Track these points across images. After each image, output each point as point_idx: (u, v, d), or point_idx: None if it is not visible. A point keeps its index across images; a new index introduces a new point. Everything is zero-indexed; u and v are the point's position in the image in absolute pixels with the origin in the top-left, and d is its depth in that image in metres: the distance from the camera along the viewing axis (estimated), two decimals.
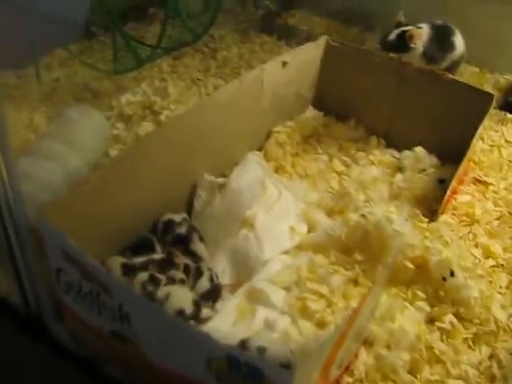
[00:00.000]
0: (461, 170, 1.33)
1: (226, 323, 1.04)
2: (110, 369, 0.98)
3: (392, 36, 1.44)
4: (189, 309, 1.04)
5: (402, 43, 1.43)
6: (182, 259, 1.12)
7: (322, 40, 1.59)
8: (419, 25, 1.45)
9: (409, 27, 1.43)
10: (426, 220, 1.26)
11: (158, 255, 1.13)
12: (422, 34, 1.43)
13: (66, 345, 1.02)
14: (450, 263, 1.11)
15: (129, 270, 1.07)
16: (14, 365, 1.12)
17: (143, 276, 1.05)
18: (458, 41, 1.50)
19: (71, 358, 1.01)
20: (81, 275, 0.86)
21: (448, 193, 1.31)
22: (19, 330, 1.06)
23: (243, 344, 0.93)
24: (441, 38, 1.46)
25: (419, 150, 1.49)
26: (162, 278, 1.06)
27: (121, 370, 0.97)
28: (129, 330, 0.84)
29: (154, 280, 1.05)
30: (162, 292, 1.05)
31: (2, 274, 1.09)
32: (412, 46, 1.42)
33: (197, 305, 1.06)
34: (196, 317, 1.05)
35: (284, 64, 1.47)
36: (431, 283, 1.13)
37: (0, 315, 1.08)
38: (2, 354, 1.13)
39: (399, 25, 1.45)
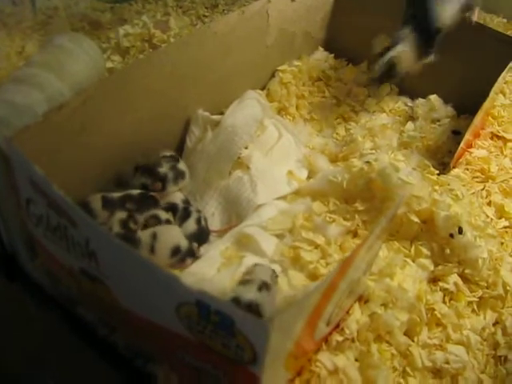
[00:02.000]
0: (476, 121, 1.23)
1: (209, 269, 0.96)
2: (83, 309, 0.92)
3: (380, 68, 1.28)
4: (183, 244, 0.98)
5: (393, 71, 1.29)
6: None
7: None
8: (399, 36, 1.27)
9: (393, 52, 1.26)
10: (437, 172, 1.17)
11: (136, 191, 1.05)
12: (407, 55, 1.26)
13: (39, 282, 0.96)
14: (459, 219, 1.03)
15: (108, 203, 1.00)
16: None
17: (122, 214, 0.97)
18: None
19: (46, 297, 0.95)
20: (48, 207, 0.78)
21: (462, 145, 1.21)
22: None
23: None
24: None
25: (434, 98, 1.40)
26: (142, 217, 0.99)
27: (93, 311, 0.90)
28: (96, 268, 0.76)
29: (132, 219, 0.97)
30: (146, 233, 0.97)
31: None
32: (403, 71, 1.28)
33: (189, 240, 1.00)
34: (192, 253, 1.00)
35: None
36: (437, 240, 1.05)
37: None
38: None
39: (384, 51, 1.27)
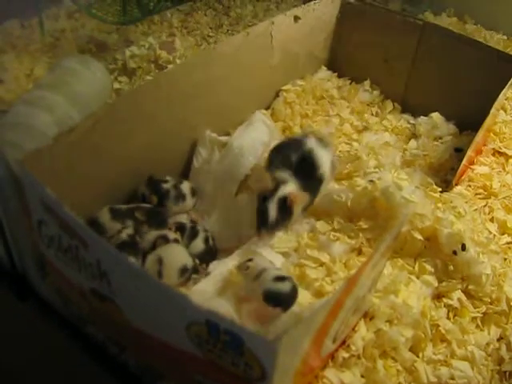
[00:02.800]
0: (478, 138, 1.24)
1: (216, 286, 0.98)
2: (93, 328, 0.93)
3: (272, 209, 1.05)
4: (189, 263, 0.99)
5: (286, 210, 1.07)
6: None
7: None
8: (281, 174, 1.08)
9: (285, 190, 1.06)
10: (439, 190, 1.19)
11: (146, 205, 1.08)
12: (300, 195, 1.07)
13: (50, 302, 0.97)
14: (462, 236, 1.04)
15: (117, 213, 1.03)
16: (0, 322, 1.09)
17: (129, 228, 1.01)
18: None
19: (55, 315, 0.96)
20: (60, 228, 0.80)
21: (464, 162, 1.23)
22: (4, 286, 1.01)
23: None
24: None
25: (436, 116, 1.42)
26: (150, 233, 1.01)
27: (103, 329, 0.92)
28: (108, 289, 0.78)
29: (139, 229, 1.01)
30: (152, 259, 0.99)
31: None
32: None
33: (193, 258, 1.02)
34: (196, 270, 1.01)
35: (296, 19, 1.39)
36: (440, 257, 1.06)
37: None
38: None
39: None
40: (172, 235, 1.03)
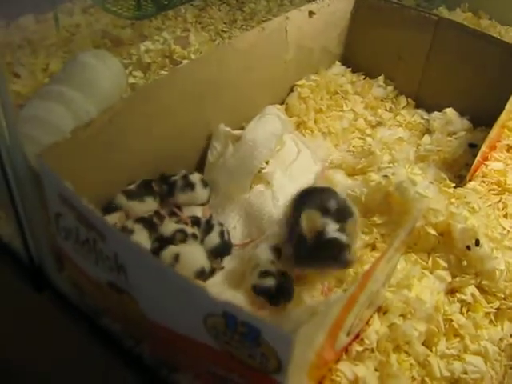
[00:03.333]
0: (492, 134, 1.24)
1: (231, 280, 0.99)
2: (109, 321, 0.95)
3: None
4: (207, 266, 1.01)
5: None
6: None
7: None
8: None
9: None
10: (453, 185, 1.19)
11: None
12: None
13: (66, 294, 0.98)
14: (476, 232, 1.04)
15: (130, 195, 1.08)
16: (17, 314, 1.10)
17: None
18: None
19: (72, 307, 0.98)
20: (77, 221, 0.81)
21: (478, 158, 1.23)
22: (21, 277, 1.02)
23: None
24: None
25: (450, 111, 1.41)
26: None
27: (119, 322, 0.93)
28: (125, 281, 0.79)
29: (158, 216, 1.05)
30: (170, 252, 1.00)
31: (5, 220, 1.06)
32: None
33: (209, 259, 1.03)
34: (213, 271, 1.03)
35: (311, 14, 1.39)
36: (454, 252, 1.07)
37: (3, 260, 1.05)
38: (5, 301, 1.11)
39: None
40: (190, 230, 1.04)
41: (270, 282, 0.96)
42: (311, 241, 0.93)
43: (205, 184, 1.16)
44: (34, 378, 1.13)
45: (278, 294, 0.96)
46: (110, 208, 1.06)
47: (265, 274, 0.97)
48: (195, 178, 1.15)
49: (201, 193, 1.15)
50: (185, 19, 1.85)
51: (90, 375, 0.99)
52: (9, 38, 1.62)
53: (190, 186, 1.14)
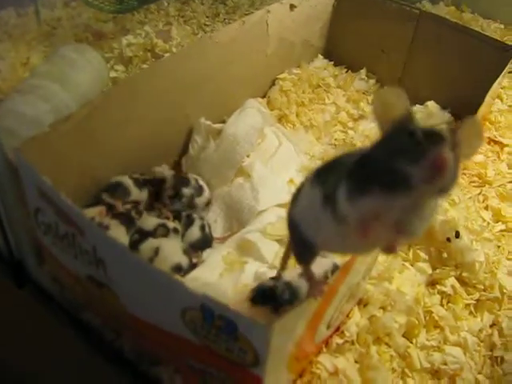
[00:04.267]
0: None
1: (211, 274, 0.99)
2: (90, 314, 0.94)
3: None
4: (184, 261, 1.00)
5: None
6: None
7: None
8: None
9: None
10: None
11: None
12: None
13: (47, 288, 0.98)
14: (456, 224, 1.05)
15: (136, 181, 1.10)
16: None
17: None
18: None
19: (52, 302, 0.97)
20: (56, 215, 0.81)
21: None
22: (2, 274, 1.01)
23: None
24: None
25: (431, 104, 1.42)
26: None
27: (99, 316, 0.93)
28: (104, 275, 0.79)
29: (136, 210, 1.05)
30: (150, 245, 1.00)
31: None
32: None
33: (188, 254, 1.02)
34: (191, 267, 1.01)
35: (292, 7, 1.39)
36: (435, 244, 1.07)
37: None
38: None
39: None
40: (171, 224, 1.04)
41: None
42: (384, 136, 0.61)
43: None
44: (14, 371, 1.13)
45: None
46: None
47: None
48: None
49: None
50: (167, 13, 1.84)
51: (70, 368, 0.99)
52: None
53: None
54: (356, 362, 0.91)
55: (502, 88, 1.60)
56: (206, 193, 1.14)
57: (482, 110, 1.25)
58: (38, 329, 1.03)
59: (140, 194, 1.10)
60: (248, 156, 1.18)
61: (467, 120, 0.59)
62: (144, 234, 1.01)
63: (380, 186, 0.57)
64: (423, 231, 0.62)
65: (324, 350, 0.91)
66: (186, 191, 1.12)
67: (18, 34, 1.64)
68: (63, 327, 0.95)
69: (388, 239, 0.62)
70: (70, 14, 1.79)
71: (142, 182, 1.10)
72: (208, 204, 1.15)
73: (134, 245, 1.00)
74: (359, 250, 0.70)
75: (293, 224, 0.74)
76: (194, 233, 1.06)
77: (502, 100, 1.57)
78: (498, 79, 1.27)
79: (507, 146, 1.40)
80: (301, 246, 0.75)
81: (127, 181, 1.08)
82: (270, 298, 0.89)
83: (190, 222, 1.07)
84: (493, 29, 1.92)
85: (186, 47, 1.35)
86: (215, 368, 0.74)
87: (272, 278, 0.92)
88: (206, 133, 1.21)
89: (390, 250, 0.63)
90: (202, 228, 1.07)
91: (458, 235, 1.04)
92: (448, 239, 1.05)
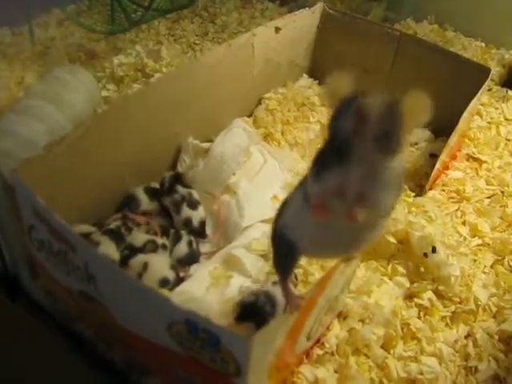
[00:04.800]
0: (451, 142, 1.30)
1: (198, 288, 1.03)
2: (82, 327, 0.98)
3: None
4: (171, 276, 1.04)
5: None
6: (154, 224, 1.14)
7: (319, 7, 1.56)
8: None
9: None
10: (413, 195, 1.25)
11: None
12: None
13: (40, 302, 1.02)
14: (432, 239, 1.09)
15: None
16: None
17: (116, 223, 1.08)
18: None
19: (45, 314, 1.01)
20: (50, 233, 0.85)
21: (437, 167, 1.28)
22: None
23: None
24: None
25: None
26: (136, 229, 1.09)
27: (91, 328, 0.96)
28: (95, 291, 0.83)
29: (126, 227, 1.08)
30: (139, 260, 1.05)
31: None
32: None
33: (175, 269, 1.06)
34: (178, 282, 1.05)
35: (277, 30, 1.44)
36: (412, 259, 1.12)
37: None
38: None
39: None
40: (160, 240, 1.09)
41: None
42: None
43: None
44: (6, 382, 1.16)
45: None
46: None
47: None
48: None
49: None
50: (158, 31, 1.90)
51: (62, 379, 1.03)
52: None
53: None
54: (336, 372, 0.95)
55: (481, 105, 1.65)
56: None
57: (460, 126, 1.30)
58: (30, 341, 1.06)
59: (150, 204, 1.18)
60: (234, 174, 1.23)
61: (412, 93, 0.67)
62: (134, 250, 1.05)
63: (333, 157, 0.65)
64: (389, 205, 0.69)
65: (305, 360, 0.95)
66: (180, 189, 1.18)
67: (12, 53, 1.68)
68: (55, 338, 0.98)
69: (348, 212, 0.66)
70: (63, 34, 1.84)
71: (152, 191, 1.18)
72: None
73: (125, 260, 1.04)
74: (338, 247, 0.77)
75: (278, 234, 0.80)
76: (182, 248, 1.10)
77: (481, 117, 1.62)
78: (477, 95, 1.33)
79: (485, 162, 1.45)
80: (283, 257, 0.81)
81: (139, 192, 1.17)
82: (253, 313, 0.94)
83: (177, 238, 1.12)
84: (473, 47, 1.96)
85: (175, 69, 1.41)
86: (200, 377, 0.78)
87: (252, 293, 0.97)
88: (193, 152, 1.25)
89: (350, 217, 0.66)
90: (190, 244, 1.12)
91: (434, 250, 1.08)
92: (425, 254, 1.09)
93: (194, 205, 1.18)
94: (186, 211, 1.17)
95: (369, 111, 0.61)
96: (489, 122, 1.61)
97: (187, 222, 1.17)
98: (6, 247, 1.00)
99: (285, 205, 0.81)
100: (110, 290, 0.81)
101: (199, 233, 1.18)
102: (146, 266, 1.03)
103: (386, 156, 0.65)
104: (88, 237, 1.06)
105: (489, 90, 1.75)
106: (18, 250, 0.99)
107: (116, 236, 1.07)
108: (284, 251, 0.79)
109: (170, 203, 1.18)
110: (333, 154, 0.66)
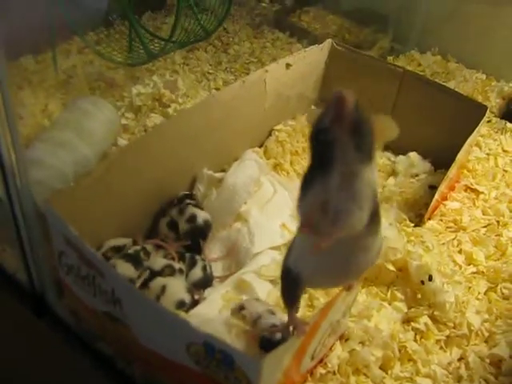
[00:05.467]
0: (450, 174, 1.37)
1: (212, 309, 1.11)
2: (103, 344, 1.06)
3: None
4: (187, 298, 1.12)
5: None
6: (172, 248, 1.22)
7: (327, 43, 1.65)
8: None
9: None
10: (413, 225, 1.32)
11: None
12: None
13: (64, 320, 1.10)
14: (429, 268, 1.17)
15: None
16: (19, 338, 1.22)
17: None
18: None
19: (69, 332, 1.09)
20: (79, 260, 0.94)
21: (436, 198, 1.36)
22: (24, 305, 1.13)
23: None
24: None
25: (413, 155, 1.55)
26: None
27: (113, 346, 1.05)
28: (120, 312, 0.92)
29: (145, 251, 1.18)
30: (158, 283, 1.13)
31: (11, 253, 1.17)
32: None
33: (190, 292, 1.14)
34: (194, 304, 1.13)
35: (288, 66, 1.53)
36: (410, 286, 1.19)
37: (8, 290, 1.16)
38: (7, 327, 1.23)
39: None
40: (177, 265, 1.17)
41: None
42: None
43: None
44: None
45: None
46: None
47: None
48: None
49: None
50: (173, 61, 1.97)
51: None
52: (10, 79, 1.73)
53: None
54: None
55: (481, 136, 1.72)
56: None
57: (460, 157, 1.37)
58: (55, 356, 1.14)
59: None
60: (245, 203, 1.32)
61: (380, 116, 0.78)
62: (153, 274, 1.14)
63: (316, 171, 0.74)
64: (362, 217, 0.75)
65: (309, 378, 1.03)
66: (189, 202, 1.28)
67: (36, 80, 1.76)
68: (78, 354, 1.06)
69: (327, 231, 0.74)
70: (83, 61, 1.91)
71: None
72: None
73: (145, 282, 1.13)
74: (338, 275, 0.87)
75: (285, 269, 0.89)
76: (197, 273, 1.19)
77: (480, 148, 1.69)
78: (474, 132, 1.41)
79: (482, 193, 1.52)
80: (288, 289, 0.90)
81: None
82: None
83: (193, 263, 1.20)
84: (474, 79, 2.02)
85: (192, 106, 1.48)
86: None
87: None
88: (208, 182, 1.35)
89: (316, 248, 0.75)
90: (204, 268, 1.20)
91: (430, 278, 1.16)
92: (422, 282, 1.17)
93: (199, 207, 1.28)
94: (191, 209, 1.26)
95: (345, 97, 0.72)
96: (487, 154, 1.67)
97: (192, 218, 1.25)
98: (35, 267, 1.08)
99: (293, 240, 0.90)
100: (133, 312, 0.90)
101: (203, 232, 1.26)
102: (164, 288, 1.11)
103: (362, 158, 0.73)
104: (122, 249, 1.17)
105: (488, 121, 1.82)
106: (46, 271, 1.08)
107: (131, 258, 1.15)
108: (290, 283, 0.89)
109: (176, 211, 1.27)
110: (315, 168, 0.74)
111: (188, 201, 1.28)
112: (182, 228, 1.26)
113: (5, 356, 1.26)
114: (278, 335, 1.01)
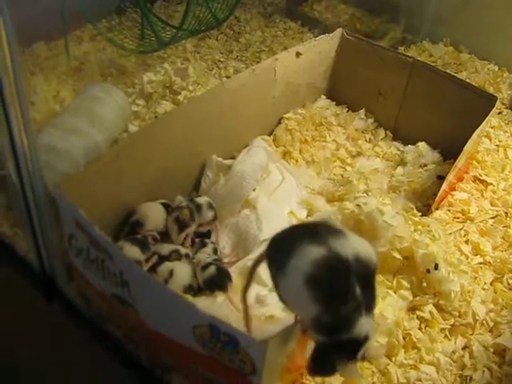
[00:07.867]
0: (459, 164, 1.38)
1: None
2: (112, 327, 1.08)
3: None
4: (194, 282, 1.15)
5: None
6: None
7: (338, 33, 1.65)
8: None
9: None
10: (420, 214, 1.33)
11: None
12: None
13: (74, 302, 1.12)
14: (435, 257, 1.17)
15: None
16: (29, 319, 1.24)
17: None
18: None
19: (78, 314, 1.11)
20: (89, 242, 0.95)
21: (444, 188, 1.36)
22: (35, 288, 1.16)
23: None
24: None
25: (422, 145, 1.55)
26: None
27: (120, 328, 1.07)
28: (128, 295, 0.93)
29: (153, 237, 1.20)
30: (166, 267, 1.15)
31: (22, 236, 1.20)
32: None
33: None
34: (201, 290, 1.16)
35: (298, 55, 1.54)
36: (416, 274, 1.20)
37: (19, 272, 1.18)
38: (19, 310, 1.25)
39: None
40: (183, 250, 1.19)
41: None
42: None
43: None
44: (41, 377, 1.26)
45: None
46: None
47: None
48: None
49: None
50: (185, 48, 1.99)
51: (93, 374, 1.12)
52: (23, 66, 1.75)
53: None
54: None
55: (491, 127, 1.72)
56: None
57: (468, 148, 1.38)
58: (64, 338, 1.16)
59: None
60: (254, 190, 1.32)
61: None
62: (161, 258, 1.16)
63: None
64: None
65: None
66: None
67: (49, 67, 1.77)
68: (87, 336, 1.09)
69: None
70: (95, 48, 1.93)
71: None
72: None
73: (153, 267, 1.14)
74: None
75: None
76: (211, 270, 1.17)
77: (490, 139, 1.69)
78: (483, 122, 1.40)
79: (491, 184, 1.52)
80: None
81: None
82: None
83: (203, 245, 1.22)
84: (486, 70, 2.02)
85: (201, 94, 1.49)
86: (219, 375, 0.88)
87: None
88: (216, 168, 1.36)
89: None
90: (215, 251, 1.22)
91: (436, 267, 1.17)
92: (428, 270, 1.17)
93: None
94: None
95: None
96: (497, 145, 1.68)
97: (192, 198, 1.28)
98: (46, 251, 1.10)
99: None
100: (141, 294, 0.92)
101: (202, 212, 1.27)
102: (171, 272, 1.13)
103: None
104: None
105: (499, 113, 1.82)
106: (56, 254, 1.10)
107: (137, 241, 1.17)
108: None
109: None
110: None
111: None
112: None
113: (15, 338, 1.28)
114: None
